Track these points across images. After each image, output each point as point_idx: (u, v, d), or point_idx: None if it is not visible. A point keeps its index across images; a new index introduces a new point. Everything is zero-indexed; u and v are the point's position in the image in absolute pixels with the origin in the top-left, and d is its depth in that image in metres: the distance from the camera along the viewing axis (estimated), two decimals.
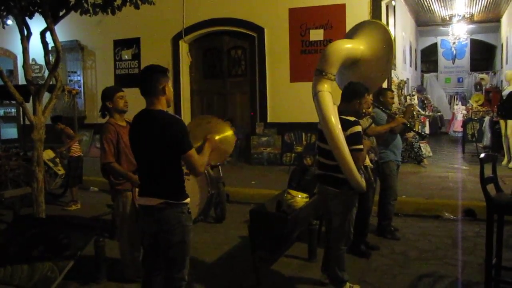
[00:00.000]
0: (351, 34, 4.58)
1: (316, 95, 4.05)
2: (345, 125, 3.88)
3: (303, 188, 5.21)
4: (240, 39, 11.41)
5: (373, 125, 5.02)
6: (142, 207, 3.22)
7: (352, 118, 3.92)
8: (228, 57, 11.69)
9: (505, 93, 9.72)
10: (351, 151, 3.83)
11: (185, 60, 11.85)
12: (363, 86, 4.06)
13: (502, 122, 9.73)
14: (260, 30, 10.86)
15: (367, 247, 5.19)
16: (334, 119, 3.87)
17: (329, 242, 4.23)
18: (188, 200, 3.19)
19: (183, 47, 11.77)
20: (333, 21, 10.02)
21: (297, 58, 10.41)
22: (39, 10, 5.10)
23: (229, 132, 3.64)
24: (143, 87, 3.15)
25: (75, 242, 4.09)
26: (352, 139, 3.85)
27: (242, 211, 6.59)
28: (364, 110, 4.30)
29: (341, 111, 4.00)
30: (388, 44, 4.25)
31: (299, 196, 4.88)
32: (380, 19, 9.65)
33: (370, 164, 4.72)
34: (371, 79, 4.26)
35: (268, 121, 10.91)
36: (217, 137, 3.45)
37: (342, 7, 10.02)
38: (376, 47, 4.29)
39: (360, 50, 4.29)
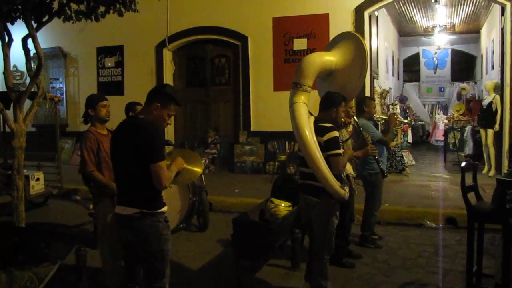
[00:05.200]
0: (330, 47, 4.68)
1: (291, 106, 4.17)
2: (322, 131, 3.94)
3: (286, 196, 5.21)
4: (224, 48, 11.42)
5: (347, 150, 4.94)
6: (118, 216, 3.18)
7: (328, 124, 3.98)
8: (211, 65, 11.68)
9: (485, 102, 9.86)
10: (329, 156, 3.87)
11: (168, 68, 11.81)
12: (339, 95, 4.14)
13: (482, 131, 9.88)
14: (244, 39, 10.88)
15: (350, 256, 5.20)
16: (307, 129, 3.94)
17: (312, 251, 4.23)
18: (165, 209, 3.15)
19: (167, 55, 11.74)
20: (316, 30, 10.07)
21: (280, 67, 10.42)
22: (21, 16, 5.04)
23: (199, 169, 3.59)
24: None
25: (55, 251, 4.02)
26: (329, 144, 3.89)
27: (225, 220, 6.57)
28: (343, 119, 4.36)
29: (318, 120, 4.08)
30: (360, 55, 4.33)
31: (282, 204, 4.90)
32: (363, 29, 9.74)
33: (353, 173, 4.73)
34: (347, 89, 4.37)
35: (251, 129, 10.90)
36: (186, 165, 3.39)
37: (325, 16, 10.08)
38: (348, 59, 4.40)
39: (334, 62, 4.42)
